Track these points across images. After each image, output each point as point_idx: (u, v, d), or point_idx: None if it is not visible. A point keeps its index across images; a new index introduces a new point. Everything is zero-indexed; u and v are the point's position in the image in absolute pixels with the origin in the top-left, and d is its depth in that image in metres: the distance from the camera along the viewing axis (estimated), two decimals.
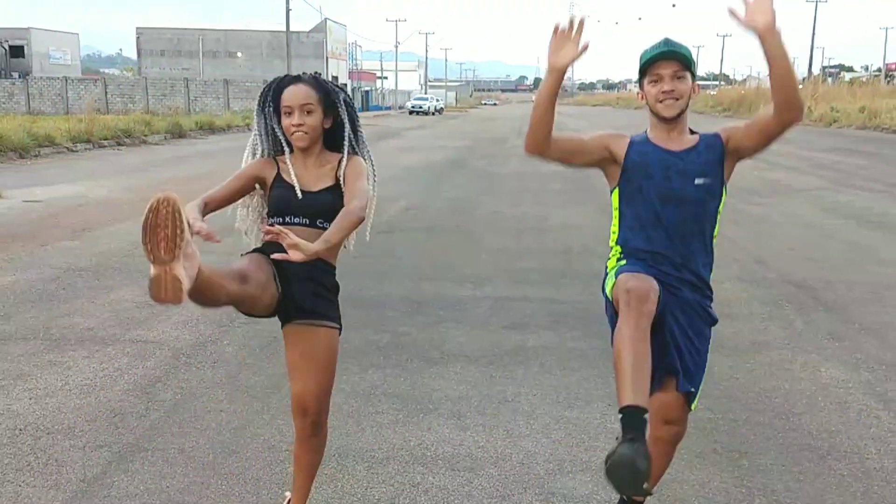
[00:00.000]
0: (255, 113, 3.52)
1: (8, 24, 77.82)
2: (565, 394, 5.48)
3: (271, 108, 3.46)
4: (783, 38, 2.98)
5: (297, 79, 3.41)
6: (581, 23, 3.10)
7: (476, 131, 44.64)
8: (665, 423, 3.39)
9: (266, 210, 3.51)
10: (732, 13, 3.01)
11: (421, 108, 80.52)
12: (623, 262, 3.36)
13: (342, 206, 3.25)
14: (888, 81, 74.48)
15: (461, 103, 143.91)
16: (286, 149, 3.45)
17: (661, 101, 3.26)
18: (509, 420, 5.04)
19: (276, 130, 3.46)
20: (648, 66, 3.26)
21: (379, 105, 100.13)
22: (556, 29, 3.13)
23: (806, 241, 11.09)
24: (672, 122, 3.30)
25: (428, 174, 20.28)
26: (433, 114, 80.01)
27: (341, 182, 3.36)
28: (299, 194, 3.32)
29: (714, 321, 3.42)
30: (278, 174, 3.41)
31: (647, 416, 2.84)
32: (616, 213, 3.45)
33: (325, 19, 76.06)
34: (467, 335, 6.79)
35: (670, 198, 3.29)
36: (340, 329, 3.49)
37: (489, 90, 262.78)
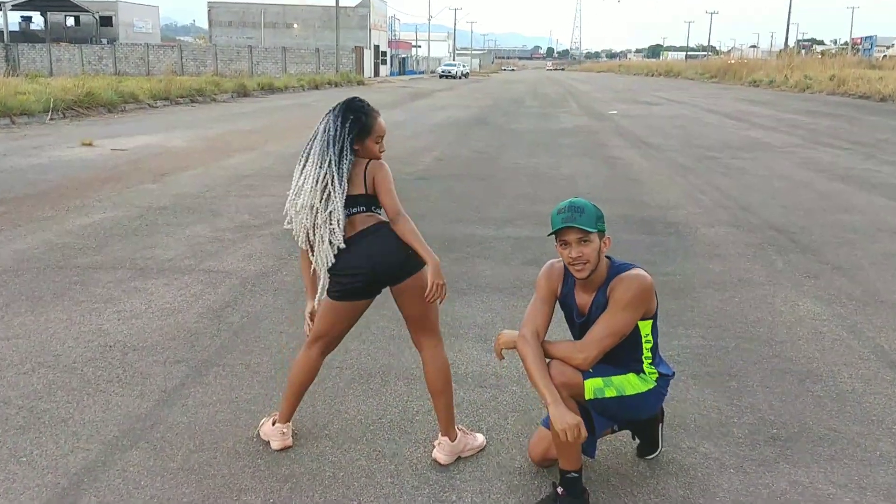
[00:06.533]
0: (346, 134, 3.31)
1: None
2: None
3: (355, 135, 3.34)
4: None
5: (375, 111, 3.39)
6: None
7: (496, 93, 44.05)
8: None
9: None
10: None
11: (449, 73, 79.56)
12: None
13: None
14: (854, 53, 72.79)
15: (484, 69, 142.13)
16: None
17: (572, 265, 3.05)
18: None
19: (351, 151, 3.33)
20: (556, 232, 3.04)
21: (413, 70, 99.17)
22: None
23: (783, 191, 10.80)
24: (585, 279, 3.10)
25: (455, 129, 20.02)
26: (460, 78, 78.92)
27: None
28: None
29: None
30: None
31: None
32: None
33: None
34: (492, 270, 6.66)
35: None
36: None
37: (508, 58, 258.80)
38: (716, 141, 17.51)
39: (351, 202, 3.30)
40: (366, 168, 3.33)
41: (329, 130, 3.29)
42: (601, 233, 3.07)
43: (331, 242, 3.28)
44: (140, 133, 17.53)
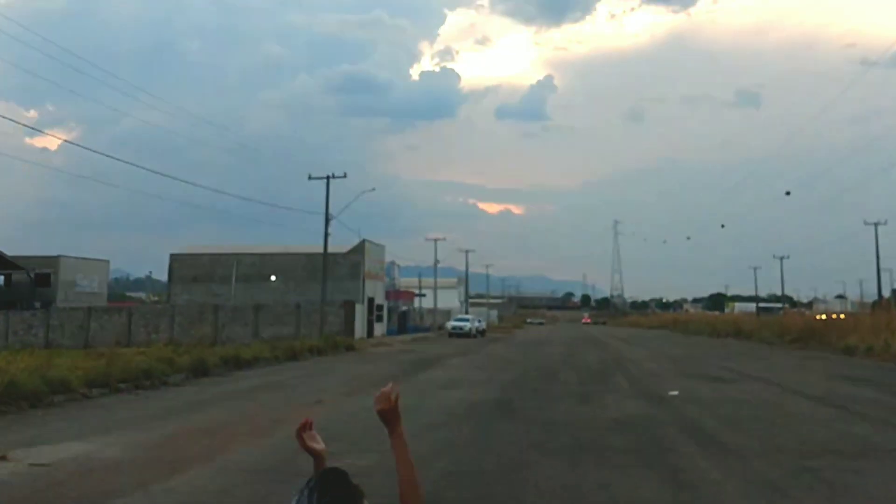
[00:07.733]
0: None
1: (40, 253, 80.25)
2: None
3: None
4: None
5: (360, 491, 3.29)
6: None
7: (522, 360, 44.36)
8: None
9: None
10: None
11: (461, 329, 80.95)
12: None
13: None
14: None
15: (505, 322, 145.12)
16: None
17: None
18: None
19: None
20: None
21: (417, 326, 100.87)
22: None
23: None
24: None
25: (472, 420, 19.80)
26: (474, 336, 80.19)
27: None
28: None
29: None
30: None
31: None
32: None
33: (364, 240, 77.86)
34: None
35: None
36: None
37: (534, 307, 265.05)
38: (810, 441, 16.93)
39: None
40: None
41: None
42: None
43: None
44: (68, 437, 17.21)
